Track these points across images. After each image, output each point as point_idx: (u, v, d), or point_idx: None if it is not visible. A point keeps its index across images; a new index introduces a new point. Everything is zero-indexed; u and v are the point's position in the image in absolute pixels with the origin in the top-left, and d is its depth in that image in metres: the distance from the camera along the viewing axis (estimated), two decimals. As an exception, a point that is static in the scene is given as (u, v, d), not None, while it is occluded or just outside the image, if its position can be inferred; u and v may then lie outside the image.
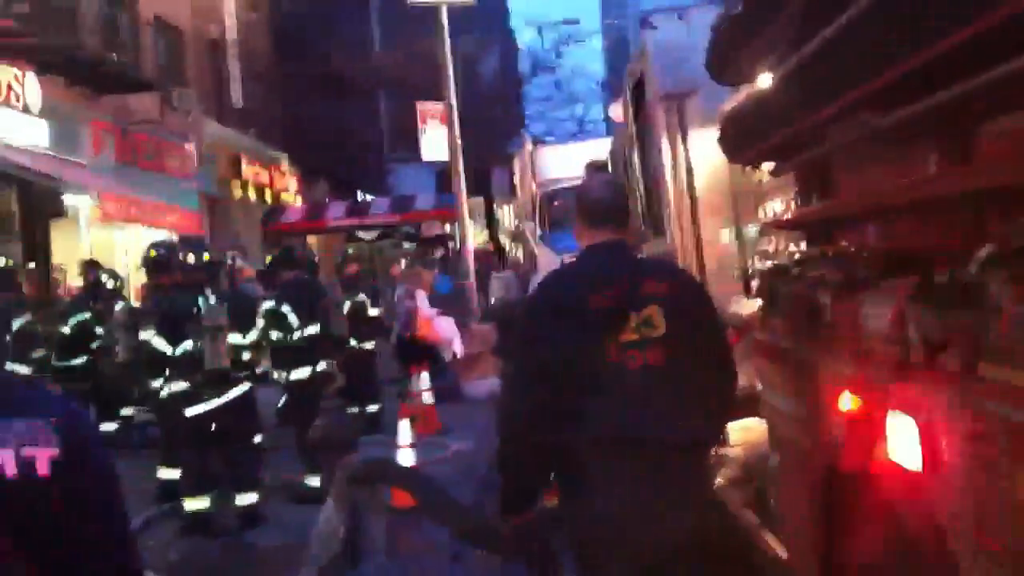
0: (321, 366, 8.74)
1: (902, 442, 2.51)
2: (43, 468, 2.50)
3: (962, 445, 2.25)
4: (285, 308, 8.79)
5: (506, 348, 15.70)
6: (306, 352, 8.72)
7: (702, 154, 5.91)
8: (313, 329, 8.78)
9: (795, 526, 3.97)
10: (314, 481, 8.20)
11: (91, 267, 11.80)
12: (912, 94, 2.49)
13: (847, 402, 2.81)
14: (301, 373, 8.70)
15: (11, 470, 2.47)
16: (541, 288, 3.61)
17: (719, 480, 5.80)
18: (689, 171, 5.99)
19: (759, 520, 5.01)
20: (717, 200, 5.93)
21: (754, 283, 4.56)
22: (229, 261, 11.69)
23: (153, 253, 8.03)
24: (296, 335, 8.73)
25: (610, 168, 9.11)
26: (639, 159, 7.22)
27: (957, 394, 2.26)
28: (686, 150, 5.98)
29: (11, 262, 10.21)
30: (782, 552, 4.35)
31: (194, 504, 7.51)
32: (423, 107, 18.00)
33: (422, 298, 13.32)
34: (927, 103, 2.44)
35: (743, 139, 4.03)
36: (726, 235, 5.87)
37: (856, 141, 3.07)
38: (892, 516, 2.73)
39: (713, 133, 4.66)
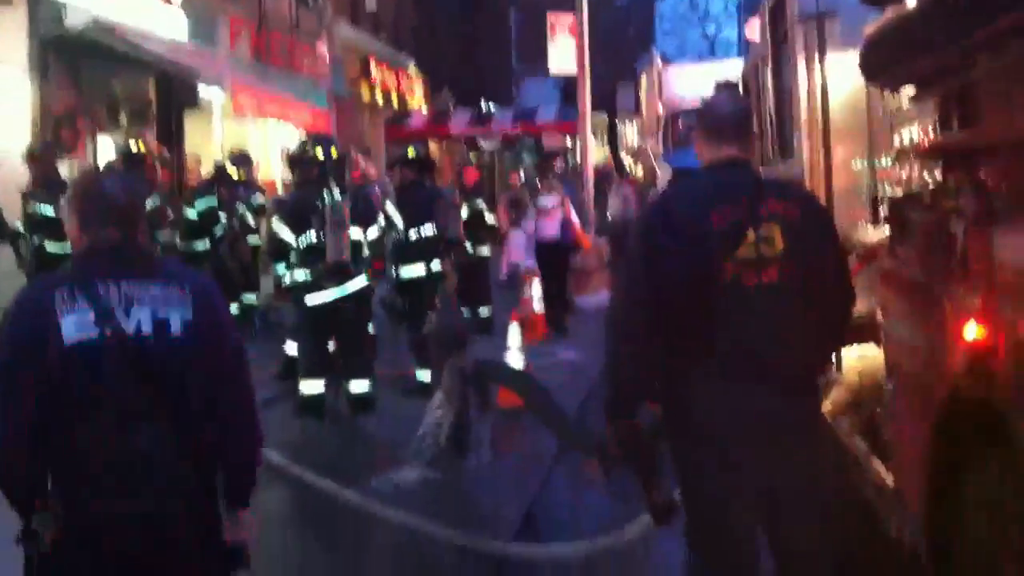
0: (435, 265, 8.94)
1: (1027, 373, 2.49)
2: (176, 328, 2.67)
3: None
4: (389, 208, 9.01)
5: (619, 262, 15.74)
6: (419, 251, 8.92)
7: (839, 78, 5.77)
8: (427, 229, 8.99)
9: (906, 455, 3.96)
10: (424, 376, 8.44)
11: (234, 158, 12.26)
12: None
13: (972, 331, 2.78)
14: (413, 271, 8.92)
15: (147, 328, 2.65)
16: (660, 202, 3.60)
17: (829, 405, 5.78)
18: (824, 94, 5.86)
19: (868, 447, 5.00)
20: (851, 125, 5.80)
21: (883, 210, 4.48)
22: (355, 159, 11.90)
23: (297, 149, 8.35)
24: (411, 234, 8.94)
25: (741, 89, 8.95)
26: (772, 80, 7.08)
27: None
28: (823, 72, 5.84)
29: (143, 146, 10.61)
30: (889, 481, 4.35)
31: (309, 387, 7.83)
32: (553, 18, 17.80)
33: (571, 209, 13.51)
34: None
35: (886, 60, 3.93)
36: (858, 161, 5.76)
37: (1005, 68, 2.98)
38: (1014, 450, 2.71)
39: (852, 57, 4.54)
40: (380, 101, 23.87)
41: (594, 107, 19.38)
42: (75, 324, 2.58)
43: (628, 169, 25.42)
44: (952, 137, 3.63)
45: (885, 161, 5.26)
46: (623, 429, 3.32)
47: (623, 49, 32.91)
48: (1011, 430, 2.63)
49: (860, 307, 5.11)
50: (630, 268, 3.37)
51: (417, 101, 26.79)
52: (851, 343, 5.39)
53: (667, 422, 3.35)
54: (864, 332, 4.83)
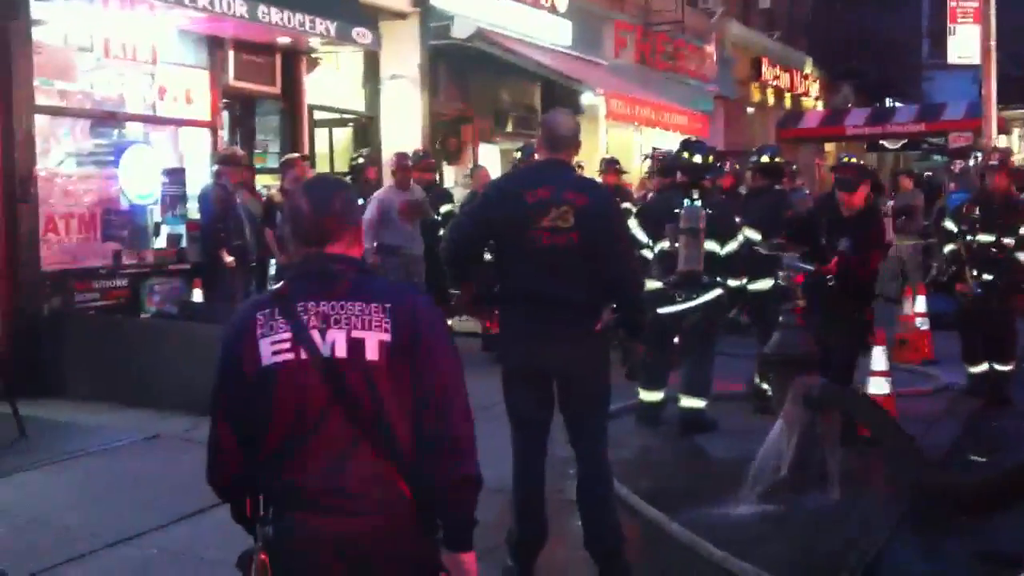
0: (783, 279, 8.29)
1: None
2: (372, 352, 2.46)
3: None
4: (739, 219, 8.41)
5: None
6: (768, 264, 8.30)
7: None
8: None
9: None
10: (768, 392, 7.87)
11: (609, 165, 12.11)
12: None
13: None
14: (761, 284, 8.32)
15: (341, 351, 2.46)
16: (496, 181, 5.88)
17: None
18: None
19: None
20: None
21: None
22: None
23: (667, 154, 8.18)
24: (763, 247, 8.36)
25: None
26: None
27: None
28: None
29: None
30: None
31: (648, 396, 7.65)
32: (954, 2, 16.13)
33: None
34: None
35: None
36: None
37: None
38: None
39: None
40: (771, 101, 23.09)
41: (1013, 101, 17.38)
42: (272, 345, 2.47)
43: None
44: None
45: None
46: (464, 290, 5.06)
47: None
48: None
49: None
50: (469, 212, 5.31)
51: (811, 101, 25.61)
52: None
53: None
54: None
